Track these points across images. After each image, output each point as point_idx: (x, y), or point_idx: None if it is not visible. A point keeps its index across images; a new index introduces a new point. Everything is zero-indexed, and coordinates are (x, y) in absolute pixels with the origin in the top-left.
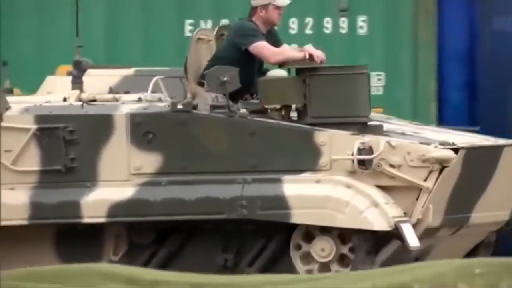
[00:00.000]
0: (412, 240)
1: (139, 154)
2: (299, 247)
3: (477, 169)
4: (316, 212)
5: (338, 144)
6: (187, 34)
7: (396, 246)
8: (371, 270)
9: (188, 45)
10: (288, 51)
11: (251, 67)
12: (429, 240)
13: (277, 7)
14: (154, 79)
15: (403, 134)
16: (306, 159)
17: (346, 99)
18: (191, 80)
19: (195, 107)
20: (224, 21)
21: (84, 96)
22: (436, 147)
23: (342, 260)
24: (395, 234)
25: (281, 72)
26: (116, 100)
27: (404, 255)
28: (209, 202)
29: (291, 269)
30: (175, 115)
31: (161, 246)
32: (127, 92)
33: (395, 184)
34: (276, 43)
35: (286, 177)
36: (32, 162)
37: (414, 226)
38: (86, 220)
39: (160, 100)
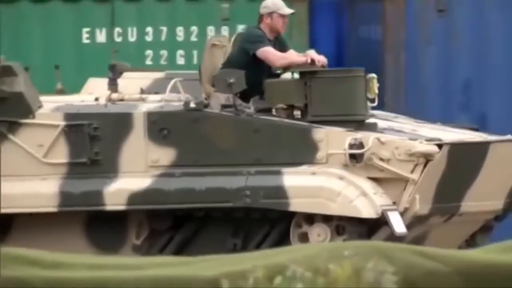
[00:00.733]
0: (399, 226)
1: (155, 149)
2: (300, 226)
3: (463, 163)
4: (312, 201)
5: (333, 140)
6: (85, 41)
7: (388, 233)
8: (252, 252)
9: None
10: (292, 56)
11: (259, 70)
12: (422, 227)
13: (282, 16)
14: (172, 81)
15: (399, 131)
16: (305, 154)
17: (344, 99)
18: (205, 82)
19: (206, 106)
20: (241, 27)
21: (114, 96)
22: (421, 142)
23: None
24: (385, 221)
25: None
26: (142, 99)
27: (396, 242)
28: (217, 192)
29: None
30: (188, 113)
31: (177, 232)
32: (156, 93)
33: (384, 176)
34: (283, 48)
35: (285, 170)
36: (61, 155)
37: (402, 214)
38: (108, 207)
39: (179, 99)
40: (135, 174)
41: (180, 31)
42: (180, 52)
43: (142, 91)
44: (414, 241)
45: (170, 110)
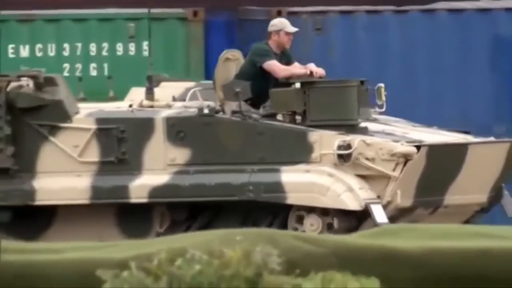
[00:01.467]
0: (380, 217)
1: (173, 149)
2: (297, 217)
3: (443, 162)
4: (305, 195)
5: (326, 142)
6: (10, 56)
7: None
8: (156, 238)
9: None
10: (294, 68)
11: (266, 81)
12: (408, 218)
13: (288, 33)
14: (192, 90)
15: (389, 134)
16: (301, 154)
17: (338, 106)
18: (219, 91)
19: (217, 112)
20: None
21: (145, 103)
22: (402, 144)
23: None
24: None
25: None
26: (169, 106)
27: None
28: (225, 187)
29: None
30: (201, 118)
31: (194, 222)
32: (183, 100)
33: (370, 173)
34: (288, 61)
35: (284, 168)
36: (93, 154)
37: (385, 206)
38: (133, 200)
39: (198, 106)
40: (156, 171)
41: (93, 47)
42: (93, 65)
43: (174, 99)
44: None
45: (186, 115)
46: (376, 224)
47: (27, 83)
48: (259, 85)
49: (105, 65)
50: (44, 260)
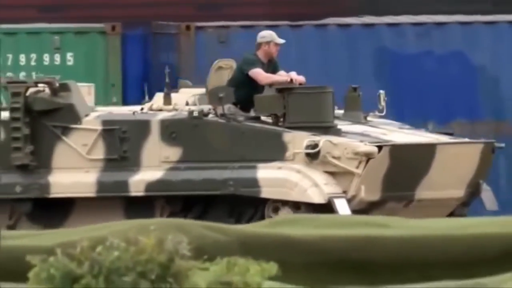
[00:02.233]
0: (342, 210)
1: (166, 148)
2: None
3: (411, 160)
4: (277, 189)
5: (298, 142)
6: None
7: None
8: (80, 227)
9: None
10: (275, 76)
11: (254, 87)
12: (380, 211)
13: (276, 44)
14: (190, 96)
15: (364, 135)
16: (277, 152)
17: (314, 109)
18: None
19: (205, 115)
20: None
21: (154, 106)
22: (365, 144)
23: None
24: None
25: None
26: (175, 110)
27: None
28: (210, 182)
29: None
30: (191, 120)
31: (188, 213)
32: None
33: (337, 170)
34: (275, 69)
35: (260, 165)
36: (99, 152)
37: (350, 200)
38: (132, 193)
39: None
40: (152, 167)
41: (22, 57)
42: (22, 73)
43: (187, 103)
44: None
45: (178, 117)
46: None
47: (44, 89)
48: (248, 90)
49: (33, 74)
50: None
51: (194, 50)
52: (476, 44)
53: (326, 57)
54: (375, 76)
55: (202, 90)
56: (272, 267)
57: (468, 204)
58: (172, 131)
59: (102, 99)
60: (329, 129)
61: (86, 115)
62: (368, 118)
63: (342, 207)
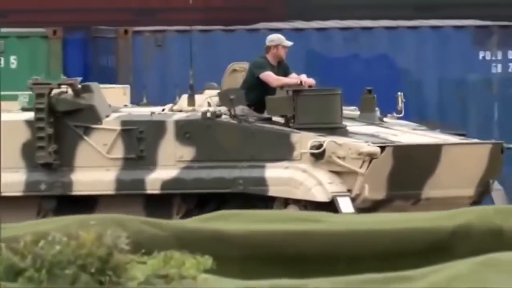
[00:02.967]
0: (346, 208)
1: (181, 147)
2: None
3: (416, 160)
4: (283, 188)
5: (305, 142)
6: None
7: None
8: (23, 222)
9: None
10: (285, 78)
11: (266, 89)
12: (388, 209)
13: (284, 47)
14: (204, 97)
15: (372, 135)
16: (285, 152)
17: (322, 111)
18: None
19: (218, 116)
20: None
21: (174, 108)
22: (369, 145)
23: None
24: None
25: None
26: (195, 110)
27: None
28: (221, 181)
29: None
30: (204, 121)
31: (203, 210)
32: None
33: (342, 170)
34: (286, 71)
35: (268, 164)
36: (118, 152)
37: (354, 198)
38: (148, 191)
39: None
40: (167, 166)
41: None
42: None
43: (209, 104)
44: None
45: (192, 118)
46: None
47: (67, 90)
48: (260, 92)
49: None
50: None
51: (132, 53)
52: (401, 48)
53: None
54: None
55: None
56: (207, 261)
57: (479, 202)
58: (186, 131)
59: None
60: (337, 130)
61: (107, 116)
62: (385, 119)
63: (346, 205)
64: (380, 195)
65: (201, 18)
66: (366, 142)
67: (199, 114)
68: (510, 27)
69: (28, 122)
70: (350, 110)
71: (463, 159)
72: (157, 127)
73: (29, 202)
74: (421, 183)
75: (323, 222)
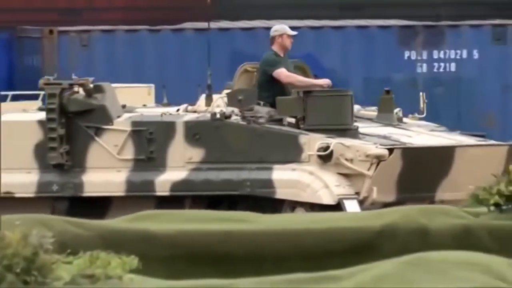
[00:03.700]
0: (352, 211)
1: (190, 149)
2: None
3: (427, 162)
4: (290, 191)
5: (313, 144)
6: None
7: None
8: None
9: None
10: (296, 75)
11: (280, 87)
12: None
13: (289, 36)
14: (216, 98)
15: (384, 137)
16: (293, 154)
17: (333, 112)
18: None
19: (227, 117)
20: None
21: (189, 108)
22: (377, 147)
23: None
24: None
25: None
26: (208, 111)
27: None
28: (229, 183)
29: None
30: (213, 122)
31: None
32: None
33: (350, 172)
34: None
35: (276, 166)
36: (128, 153)
37: (363, 201)
38: (158, 193)
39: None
40: (177, 168)
41: None
42: None
43: (226, 104)
44: None
45: (201, 119)
46: None
47: (79, 90)
48: (275, 91)
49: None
50: None
51: (58, 53)
52: (326, 48)
53: (183, 59)
54: (230, 77)
55: None
56: (133, 260)
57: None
58: (195, 132)
59: None
60: (347, 132)
61: (118, 116)
62: (405, 120)
63: (352, 208)
64: (390, 197)
65: (126, 17)
66: (375, 144)
67: (208, 115)
68: (435, 27)
69: (41, 122)
70: (371, 111)
71: (479, 161)
72: (167, 128)
73: (41, 203)
74: (434, 186)
75: (250, 222)
